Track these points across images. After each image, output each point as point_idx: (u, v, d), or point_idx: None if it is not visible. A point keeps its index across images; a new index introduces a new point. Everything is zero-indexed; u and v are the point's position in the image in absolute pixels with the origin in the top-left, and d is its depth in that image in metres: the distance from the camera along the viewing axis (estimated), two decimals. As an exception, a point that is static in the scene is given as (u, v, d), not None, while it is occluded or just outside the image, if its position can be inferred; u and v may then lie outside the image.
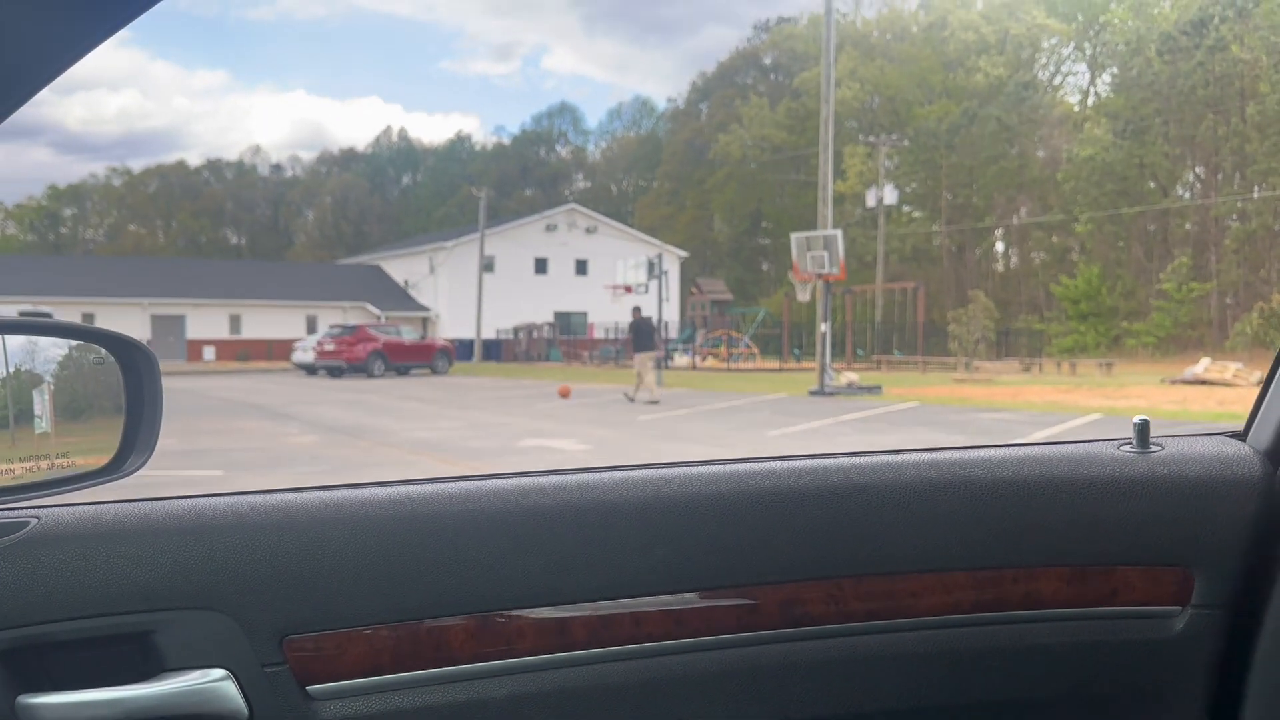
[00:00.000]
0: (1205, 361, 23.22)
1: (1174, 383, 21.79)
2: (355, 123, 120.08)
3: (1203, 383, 21.11)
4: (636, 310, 19.56)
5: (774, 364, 32.50)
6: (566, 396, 19.11)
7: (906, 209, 54.05)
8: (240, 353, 44.34)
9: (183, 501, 1.19)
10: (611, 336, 41.35)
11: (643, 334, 18.56)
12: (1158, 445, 1.39)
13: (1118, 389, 20.34)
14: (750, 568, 1.25)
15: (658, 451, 10.91)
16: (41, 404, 1.11)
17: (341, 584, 1.15)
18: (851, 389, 19.77)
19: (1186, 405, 15.99)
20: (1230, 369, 22.02)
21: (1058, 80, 56.46)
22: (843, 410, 15.72)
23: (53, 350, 1.14)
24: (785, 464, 1.32)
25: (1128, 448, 1.39)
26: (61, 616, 1.08)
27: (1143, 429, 1.38)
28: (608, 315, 42.55)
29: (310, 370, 31.26)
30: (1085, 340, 42.30)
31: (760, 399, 18.57)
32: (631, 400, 17.94)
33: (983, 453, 1.37)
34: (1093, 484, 1.33)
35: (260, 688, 1.12)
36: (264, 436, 12.95)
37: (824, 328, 20.39)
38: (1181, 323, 40.41)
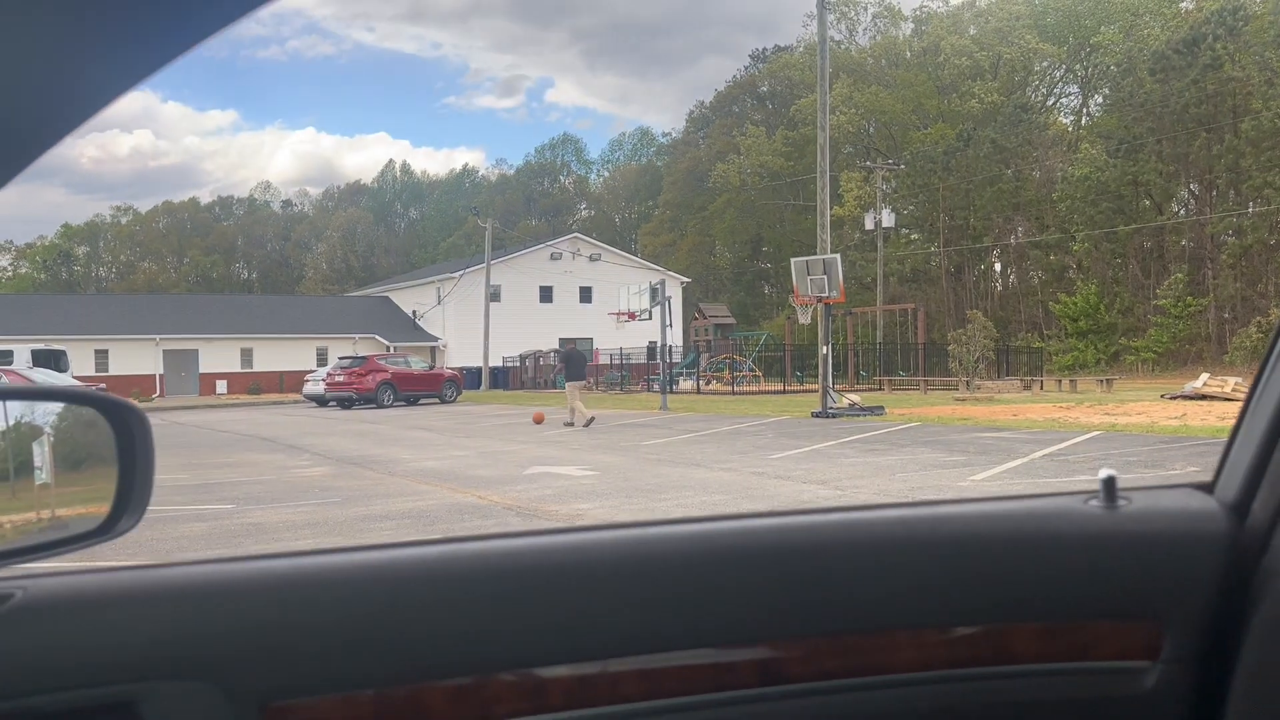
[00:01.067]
0: (1205, 376, 23.31)
1: (1174, 398, 21.77)
2: (363, 158, 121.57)
3: (1203, 397, 21.12)
4: (571, 343, 20.85)
5: (777, 386, 32.66)
6: (540, 422, 19.54)
7: (904, 231, 54.25)
8: (252, 386, 44.65)
9: (165, 570, 1.19)
10: (616, 362, 41.63)
11: (573, 364, 19.81)
12: (1124, 499, 1.39)
13: (1118, 405, 20.38)
14: (724, 627, 1.26)
15: (662, 475, 11.12)
16: (41, 456, 1.12)
17: (323, 650, 1.15)
18: (854, 410, 19.94)
19: (1187, 420, 15.95)
20: (1230, 383, 22.07)
21: (1051, 102, 56.97)
22: (845, 432, 15.84)
23: (52, 403, 1.16)
24: (757, 522, 1.35)
25: (1095, 502, 1.39)
26: (46, 688, 1.07)
27: (1109, 484, 1.39)
28: (612, 341, 42.89)
29: (321, 402, 31.45)
30: (1085, 357, 42.37)
31: (763, 422, 18.76)
32: (570, 425, 18.73)
33: (951, 509, 1.39)
34: (1060, 539, 1.34)
35: None
36: (275, 469, 13.15)
37: (825, 350, 20.64)
38: (1180, 338, 40.49)
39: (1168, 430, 14.37)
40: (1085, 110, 56.14)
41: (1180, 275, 41.13)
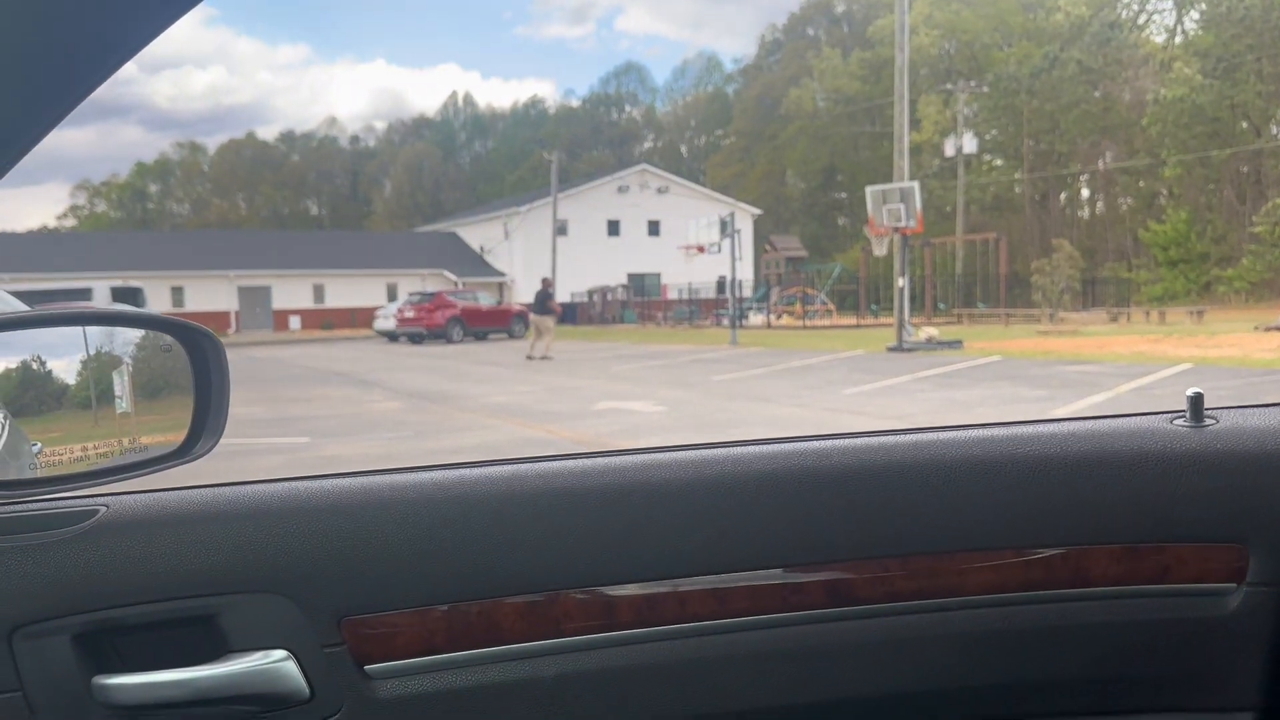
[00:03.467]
0: (1303, 307, 22.33)
1: (1269, 330, 21.03)
2: (434, 91, 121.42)
3: (1300, 329, 20.37)
4: (544, 280, 22.93)
5: (851, 320, 32.16)
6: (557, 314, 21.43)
7: (986, 157, 52.66)
8: (325, 321, 45.41)
9: (243, 488, 1.23)
10: (685, 297, 41.29)
11: (540, 300, 21.67)
12: (1212, 419, 1.36)
13: (1209, 338, 19.71)
14: (794, 548, 1.26)
15: (732, 411, 10.94)
16: (121, 384, 1.14)
17: (395, 566, 1.18)
18: (931, 344, 19.49)
19: (1282, 353, 15.49)
20: (1330, 314, 21.17)
21: (1142, 19, 54.23)
22: (921, 366, 15.51)
23: (131, 332, 1.19)
24: (829, 443, 1.32)
25: (1181, 421, 1.36)
26: (131, 601, 1.13)
27: (1196, 401, 1.35)
28: (681, 276, 42.49)
29: (392, 337, 31.89)
30: (1175, 288, 40.96)
31: (836, 356, 18.43)
32: (530, 358, 20.05)
33: (1030, 429, 1.36)
34: (1144, 459, 1.31)
35: (320, 668, 1.16)
36: (348, 403, 13.32)
37: (901, 282, 20.11)
38: (1276, 267, 38.80)
39: (1261, 363, 13.93)
40: (1180, 27, 53.40)
41: (1278, 201, 39.28)
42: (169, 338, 1.17)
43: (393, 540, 1.19)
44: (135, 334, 1.19)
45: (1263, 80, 41.34)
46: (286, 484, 1.24)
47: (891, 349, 19.01)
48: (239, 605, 1.15)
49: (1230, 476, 1.31)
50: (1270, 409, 1.40)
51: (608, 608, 1.23)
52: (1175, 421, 1.37)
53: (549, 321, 21.13)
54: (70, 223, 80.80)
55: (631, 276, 47.17)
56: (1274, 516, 1.31)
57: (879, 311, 33.74)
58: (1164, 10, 54.79)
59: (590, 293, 45.69)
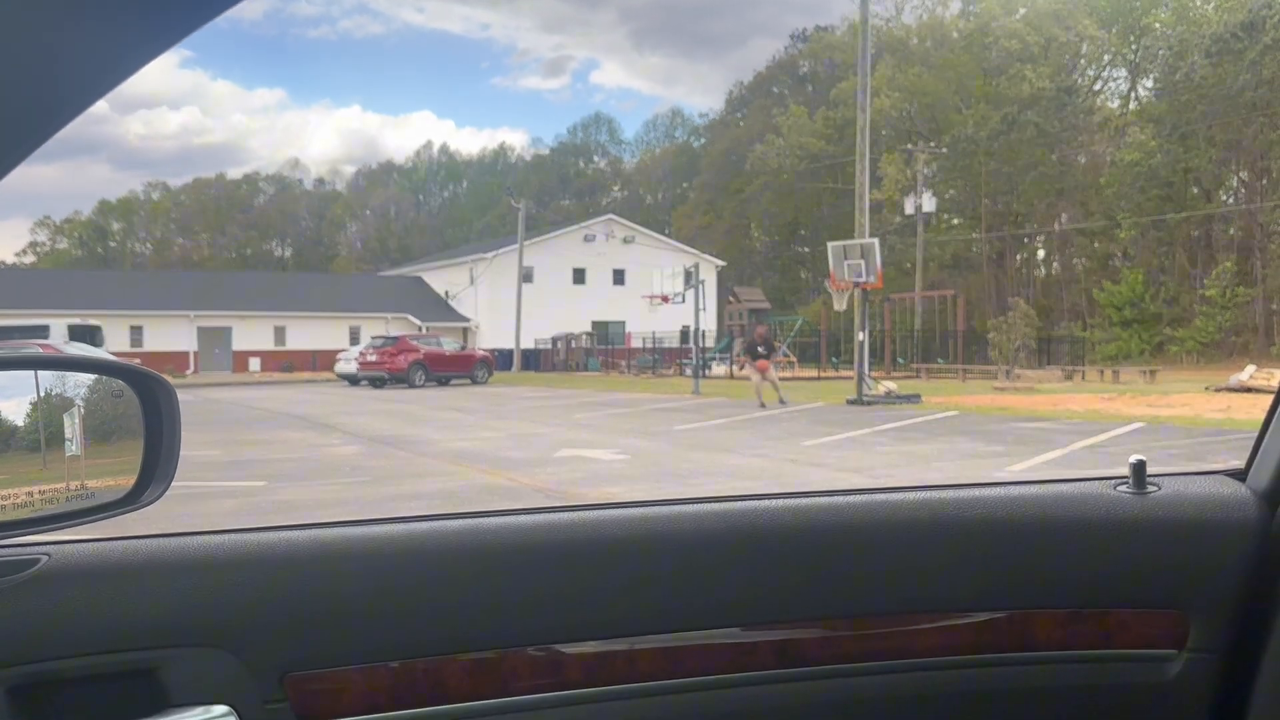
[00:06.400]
0: (1251, 368, 22.80)
1: (1219, 390, 21.39)
2: (407, 138, 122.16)
3: (1248, 390, 20.67)
4: (758, 331, 21.92)
5: (812, 372, 32.39)
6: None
7: (946, 216, 53.58)
8: (285, 364, 44.96)
9: (189, 539, 1.20)
10: (649, 346, 41.43)
11: (758, 346, 20.30)
12: (1154, 485, 1.38)
13: (1161, 397, 20.02)
14: (744, 608, 1.26)
15: (693, 460, 10.97)
16: (72, 427, 1.12)
17: (342, 622, 1.16)
18: (890, 397, 19.68)
19: (1231, 413, 15.68)
20: (1276, 375, 21.60)
21: (1098, 86, 55.84)
22: (880, 419, 15.63)
23: (83, 376, 1.17)
24: (780, 503, 1.33)
25: (1124, 487, 1.38)
26: (70, 653, 1.09)
27: (1138, 469, 1.37)
28: (645, 325, 42.67)
29: (353, 380, 31.62)
30: (1128, 347, 41.67)
31: (798, 408, 18.54)
32: (784, 403, 18.62)
33: (977, 492, 1.38)
34: (1088, 525, 1.33)
35: None
36: (306, 447, 13.16)
37: (861, 336, 20.36)
38: (1226, 328, 39.69)
39: (1212, 423, 14.12)
40: (1134, 94, 55.05)
41: (1229, 264, 40.26)
42: (120, 383, 1.15)
43: (340, 595, 1.17)
44: (88, 377, 1.17)
45: (1214, 146, 42.59)
46: (233, 535, 1.22)
47: (851, 402, 19.15)
48: (181, 659, 1.12)
49: (1171, 544, 1.33)
50: (1210, 476, 1.42)
51: (557, 666, 1.21)
52: (1119, 488, 1.38)
53: (753, 369, 19.97)
54: (29, 259, 79.79)
55: (596, 324, 47.30)
56: (1213, 584, 1.32)
57: (839, 364, 34.03)
58: (1119, 78, 56.52)
59: (554, 340, 45.71)
